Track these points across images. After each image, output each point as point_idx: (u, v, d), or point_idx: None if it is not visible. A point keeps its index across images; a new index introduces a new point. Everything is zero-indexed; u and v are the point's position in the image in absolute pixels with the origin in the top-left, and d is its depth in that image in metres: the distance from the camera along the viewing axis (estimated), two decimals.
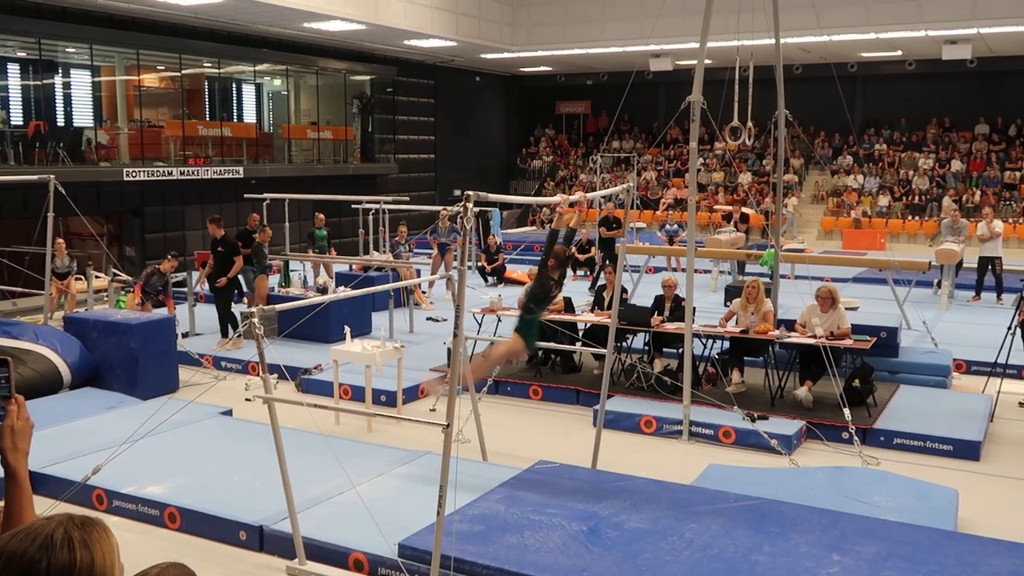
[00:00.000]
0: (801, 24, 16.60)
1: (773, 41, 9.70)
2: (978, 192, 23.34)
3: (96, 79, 18.25)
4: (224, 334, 11.75)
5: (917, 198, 24.00)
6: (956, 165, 24.25)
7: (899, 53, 23.60)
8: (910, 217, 23.60)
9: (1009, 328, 9.17)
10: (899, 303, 12.17)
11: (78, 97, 18.57)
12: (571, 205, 6.08)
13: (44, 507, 4.07)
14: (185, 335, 11.73)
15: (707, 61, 8.26)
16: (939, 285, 14.70)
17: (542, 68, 28.41)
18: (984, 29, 19.38)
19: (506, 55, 24.46)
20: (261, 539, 5.95)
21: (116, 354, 9.45)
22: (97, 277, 13.42)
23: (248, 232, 13.34)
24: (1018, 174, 23.58)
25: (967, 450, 7.72)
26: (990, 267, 14.58)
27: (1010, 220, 21.94)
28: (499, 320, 10.58)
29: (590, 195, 6.73)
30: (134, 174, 17.07)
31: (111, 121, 18.81)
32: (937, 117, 25.85)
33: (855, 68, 25.27)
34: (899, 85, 25.79)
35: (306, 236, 17.15)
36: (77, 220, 14.69)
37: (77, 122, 18.39)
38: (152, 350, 9.49)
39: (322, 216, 16.26)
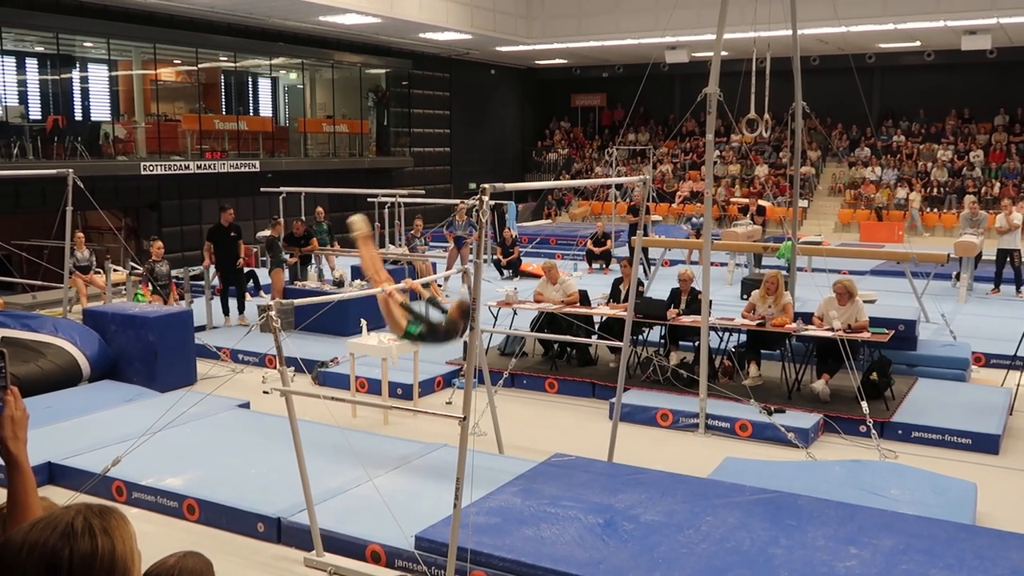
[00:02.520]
0: (818, 15, 16.48)
1: (790, 32, 9.66)
2: (997, 184, 23.14)
3: (113, 73, 18.36)
4: (238, 311, 12.75)
5: (936, 190, 23.82)
6: (975, 157, 24.07)
7: (917, 44, 23.41)
8: (928, 209, 23.42)
9: None
10: (917, 296, 12.09)
11: (95, 92, 18.68)
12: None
13: (64, 498, 4.10)
14: (202, 328, 11.84)
15: (723, 53, 8.21)
16: (958, 278, 14.60)
17: (557, 61, 28.37)
18: (1004, 19, 19.19)
19: (521, 48, 24.44)
20: (279, 531, 5.99)
21: (135, 347, 9.52)
22: (115, 271, 13.49)
23: (293, 236, 13.94)
24: None
25: (986, 444, 7.67)
26: (1009, 260, 14.47)
27: None
28: (515, 313, 10.58)
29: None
30: (151, 168, 17.17)
31: (128, 115, 18.93)
32: (956, 108, 25.63)
33: (873, 59, 25.09)
34: (917, 76, 25.58)
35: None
36: (95, 214, 14.78)
37: (95, 116, 18.49)
38: (170, 343, 9.55)
39: (321, 210, 16.17)
